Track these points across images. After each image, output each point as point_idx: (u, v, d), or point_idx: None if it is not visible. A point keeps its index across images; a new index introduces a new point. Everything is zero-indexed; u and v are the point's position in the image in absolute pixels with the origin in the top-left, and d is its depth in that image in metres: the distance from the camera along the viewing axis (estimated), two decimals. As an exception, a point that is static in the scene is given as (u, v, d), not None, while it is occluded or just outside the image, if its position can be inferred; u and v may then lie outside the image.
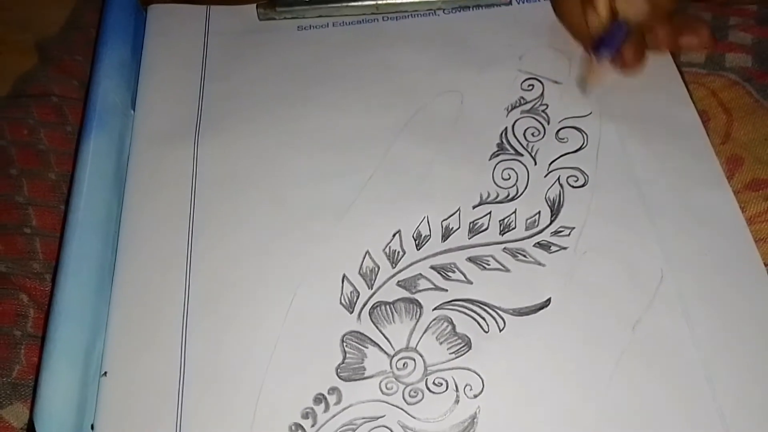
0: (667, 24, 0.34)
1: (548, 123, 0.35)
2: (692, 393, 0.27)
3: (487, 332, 0.29)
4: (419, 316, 0.29)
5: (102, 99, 0.35)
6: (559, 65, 0.36)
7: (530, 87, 0.36)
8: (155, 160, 0.34)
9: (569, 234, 0.31)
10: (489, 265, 0.30)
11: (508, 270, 0.30)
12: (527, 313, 0.29)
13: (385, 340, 0.28)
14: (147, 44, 0.39)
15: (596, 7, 0.33)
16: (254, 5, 0.40)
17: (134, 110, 0.36)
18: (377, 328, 0.29)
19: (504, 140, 0.34)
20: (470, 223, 0.31)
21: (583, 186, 0.32)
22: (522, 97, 0.36)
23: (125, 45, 0.37)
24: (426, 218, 0.32)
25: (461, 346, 0.28)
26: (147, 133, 0.35)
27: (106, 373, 0.28)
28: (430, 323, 0.29)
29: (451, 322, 0.29)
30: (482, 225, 0.31)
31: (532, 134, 0.34)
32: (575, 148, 0.34)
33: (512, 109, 0.35)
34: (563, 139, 0.34)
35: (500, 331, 0.29)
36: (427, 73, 0.37)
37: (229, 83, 0.37)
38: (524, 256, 0.31)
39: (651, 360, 0.28)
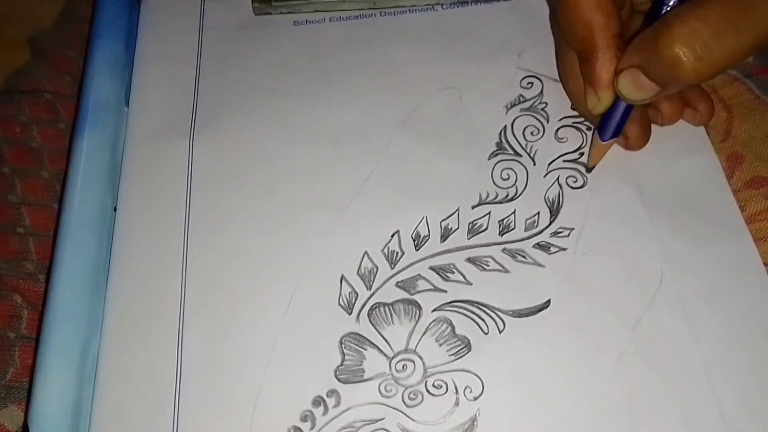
0: (675, 100, 0.32)
1: (547, 122, 0.34)
2: (692, 393, 0.27)
3: (486, 334, 0.28)
4: (418, 318, 0.29)
5: (95, 95, 0.34)
6: (558, 62, 0.36)
7: (529, 85, 0.36)
8: (150, 156, 0.34)
9: (569, 235, 0.31)
10: (488, 265, 0.30)
11: (507, 271, 0.30)
12: (527, 315, 0.29)
13: (384, 342, 0.28)
14: (141, 39, 0.38)
15: (596, 91, 0.30)
16: (250, -1, 0.39)
17: (128, 106, 0.36)
18: (376, 329, 0.29)
19: (503, 139, 0.34)
20: (469, 223, 0.31)
21: (582, 187, 0.32)
22: (521, 95, 0.35)
23: (118, 40, 0.36)
24: (425, 218, 0.31)
25: (461, 347, 0.28)
26: (141, 130, 0.35)
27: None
28: (430, 325, 0.29)
29: (451, 324, 0.29)
30: (481, 225, 0.31)
31: (531, 133, 0.34)
32: (574, 148, 0.33)
33: (511, 107, 0.35)
34: (562, 138, 0.34)
35: (500, 332, 0.28)
36: (425, 69, 0.36)
37: (224, 78, 0.36)
38: (523, 257, 0.30)
39: (651, 361, 0.28)
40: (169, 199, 0.32)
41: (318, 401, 0.27)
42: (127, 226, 0.32)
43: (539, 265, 0.30)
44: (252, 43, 0.38)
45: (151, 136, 0.34)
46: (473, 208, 0.32)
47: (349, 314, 0.29)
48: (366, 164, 0.33)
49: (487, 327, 0.29)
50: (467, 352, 0.28)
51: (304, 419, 0.27)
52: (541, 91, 0.35)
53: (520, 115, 0.35)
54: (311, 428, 0.26)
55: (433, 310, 0.29)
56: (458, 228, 0.31)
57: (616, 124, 0.30)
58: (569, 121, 0.34)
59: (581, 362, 0.28)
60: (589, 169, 0.33)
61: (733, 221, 0.31)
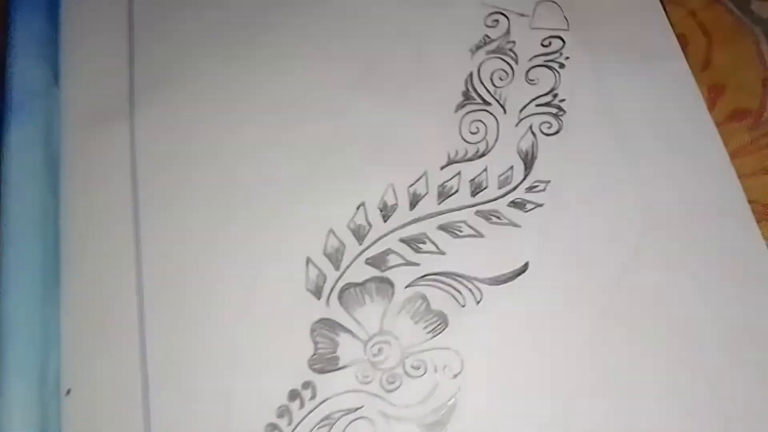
0: None
1: (516, 63, 0.32)
2: (678, 350, 0.26)
3: (463, 306, 0.27)
4: (391, 296, 0.27)
5: (20, 79, 0.31)
6: (524, -5, 0.33)
7: (495, 23, 0.33)
8: (88, 142, 0.31)
9: (545, 189, 0.29)
10: (461, 231, 0.28)
11: (482, 235, 0.28)
12: (504, 281, 0.27)
13: (358, 325, 0.27)
14: (65, 11, 0.34)
15: None
16: (181, -49, 0.35)
17: (59, 88, 0.33)
18: (348, 312, 0.27)
19: (469, 87, 0.31)
20: (438, 186, 0.29)
21: (556, 133, 0.30)
22: (486, 35, 0.32)
23: (39, 14, 0.33)
24: (391, 186, 0.29)
25: (438, 323, 0.27)
26: (76, 113, 0.32)
27: (69, 390, 0.27)
28: (404, 302, 0.27)
29: (425, 299, 0.27)
30: (452, 187, 0.29)
31: (500, 78, 0.31)
32: (547, 90, 0.31)
33: (476, 50, 0.32)
34: (533, 80, 0.31)
35: (477, 303, 0.27)
36: (379, 18, 0.33)
37: (161, 46, 0.33)
38: (498, 218, 0.29)
39: (634, 317, 0.27)
40: (114, 188, 0.30)
41: (294, 395, 0.26)
42: (73, 223, 0.30)
43: (515, 225, 0.28)
44: (189, 2, 0.34)
45: (88, 119, 0.32)
46: (442, 169, 0.30)
47: (319, 299, 0.27)
48: (322, 131, 0.31)
49: (464, 299, 0.27)
50: (444, 328, 0.27)
51: (280, 415, 0.26)
52: (508, 29, 0.33)
53: (487, 59, 0.32)
54: (288, 424, 0.25)
55: (407, 287, 0.27)
56: (427, 193, 0.29)
57: None
58: (540, 60, 0.32)
59: (562, 325, 0.27)
60: None
61: (716, 158, 0.29)
